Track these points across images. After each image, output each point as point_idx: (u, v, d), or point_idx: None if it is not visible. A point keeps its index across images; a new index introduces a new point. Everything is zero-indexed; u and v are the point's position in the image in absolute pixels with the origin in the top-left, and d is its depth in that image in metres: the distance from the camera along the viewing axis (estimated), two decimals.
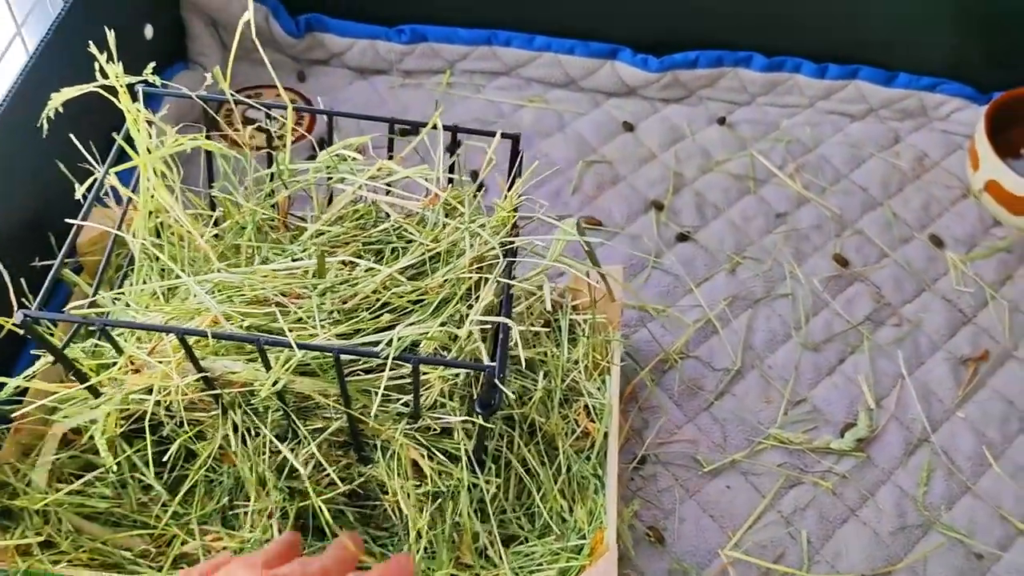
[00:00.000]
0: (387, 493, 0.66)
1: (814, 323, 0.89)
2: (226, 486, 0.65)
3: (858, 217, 0.98)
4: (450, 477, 0.63)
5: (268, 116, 0.60)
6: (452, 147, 0.62)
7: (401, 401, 0.57)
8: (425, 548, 0.64)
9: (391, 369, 0.51)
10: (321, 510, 0.62)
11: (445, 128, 0.60)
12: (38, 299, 0.51)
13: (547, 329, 0.75)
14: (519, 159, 0.60)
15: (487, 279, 0.55)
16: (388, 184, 0.60)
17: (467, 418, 0.57)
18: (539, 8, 1.05)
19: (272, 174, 0.62)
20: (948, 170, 1.03)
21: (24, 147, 0.72)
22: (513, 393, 0.68)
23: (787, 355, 0.86)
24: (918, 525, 0.76)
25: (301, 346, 0.47)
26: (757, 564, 0.73)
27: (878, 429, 0.81)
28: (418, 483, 0.63)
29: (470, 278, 0.55)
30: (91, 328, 0.59)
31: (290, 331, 0.50)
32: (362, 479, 0.64)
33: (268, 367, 0.51)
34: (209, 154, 0.63)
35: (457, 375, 0.56)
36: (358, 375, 0.55)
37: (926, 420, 0.82)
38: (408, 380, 0.56)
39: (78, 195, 0.58)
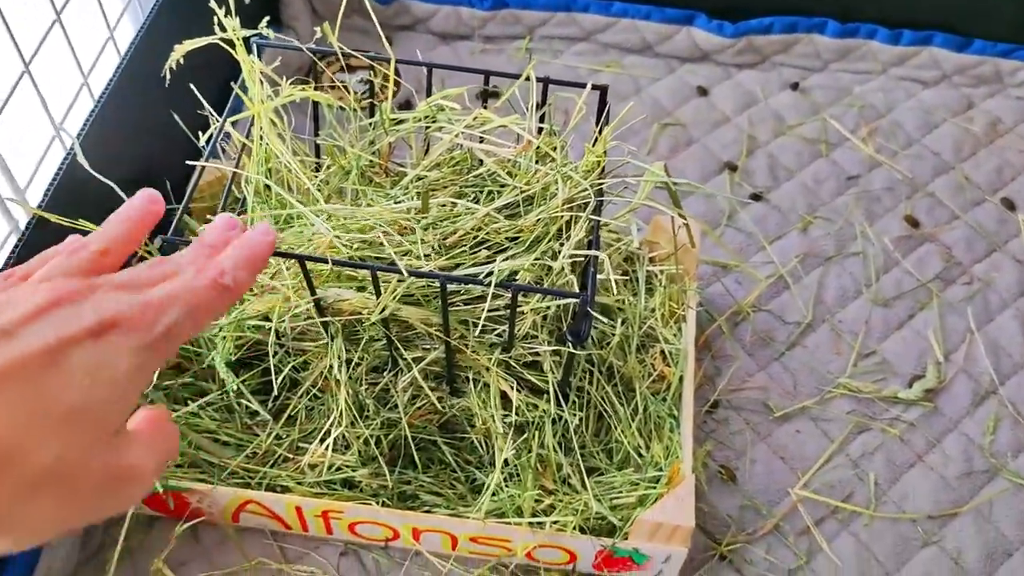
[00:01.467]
0: (474, 427, 0.70)
1: (884, 281, 0.91)
2: (324, 412, 0.71)
3: (930, 180, 0.99)
4: (535, 409, 0.67)
5: (372, 68, 0.64)
6: (543, 99, 0.66)
7: (495, 332, 0.61)
8: (511, 475, 0.69)
9: (490, 299, 0.55)
10: (408, 437, 0.67)
11: (537, 80, 0.64)
12: (172, 227, 0.57)
13: (625, 278, 0.79)
14: (607, 109, 0.64)
15: (578, 217, 0.59)
16: (483, 133, 0.64)
17: (558, 347, 0.61)
18: None
19: (374, 123, 0.67)
20: (1022, 135, 1.04)
21: (141, 100, 0.78)
22: (594, 335, 0.72)
23: (857, 310, 0.89)
24: (984, 471, 0.78)
25: (411, 273, 0.52)
26: (826, 502, 0.76)
27: (946, 381, 0.84)
28: (505, 413, 0.67)
29: (561, 217, 0.59)
30: None
31: (397, 260, 0.55)
32: (452, 410, 0.69)
33: (378, 293, 0.55)
34: (316, 105, 0.68)
35: (549, 308, 0.60)
36: (457, 306, 0.59)
37: (994, 373, 0.84)
38: (503, 313, 0.60)
39: (201, 142, 0.63)
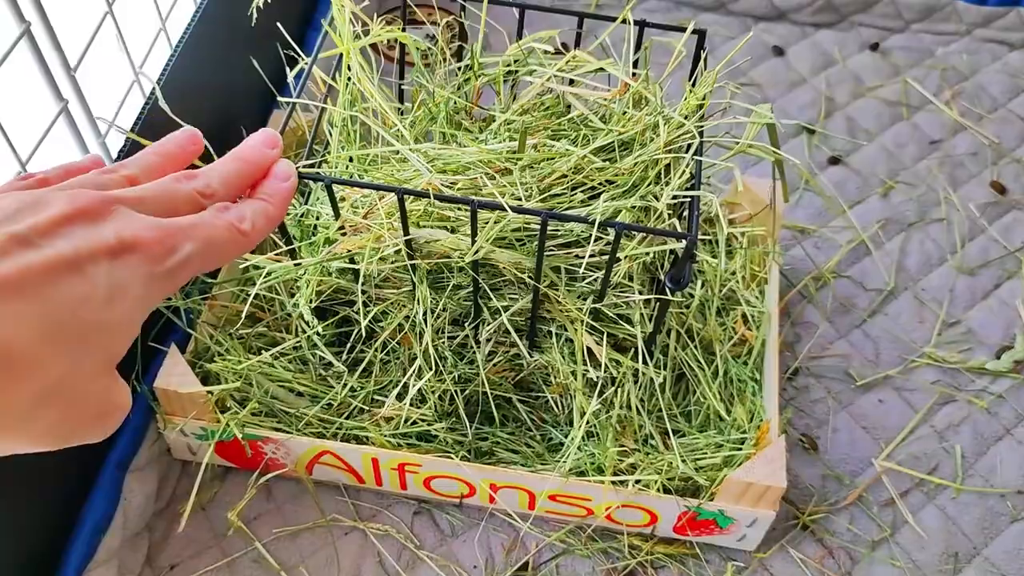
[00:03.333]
0: (549, 385, 0.68)
1: (969, 248, 0.88)
2: (400, 366, 0.69)
3: (1017, 146, 0.96)
4: (619, 366, 0.65)
5: (463, 8, 0.62)
6: (638, 43, 0.63)
7: (586, 280, 0.59)
8: (589, 434, 0.67)
9: (592, 241, 0.53)
10: (487, 394, 0.65)
11: (635, 22, 0.62)
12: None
13: (706, 237, 0.77)
14: (705, 54, 0.61)
15: (679, 161, 0.56)
16: (575, 76, 0.62)
17: (656, 295, 0.58)
18: None
19: (462, 67, 0.65)
20: None
21: (219, 45, 0.76)
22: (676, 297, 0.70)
23: (941, 278, 0.85)
24: None
25: (514, 209, 0.50)
26: (911, 474, 0.73)
27: None
28: (587, 369, 0.65)
29: (662, 160, 0.57)
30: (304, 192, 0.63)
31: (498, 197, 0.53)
32: (531, 368, 0.67)
33: (475, 233, 0.53)
34: (402, 48, 0.66)
35: (647, 254, 0.57)
36: (551, 251, 0.57)
37: None
38: (596, 260, 0.58)
39: (290, 77, 0.61)
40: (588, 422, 0.66)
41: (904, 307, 0.83)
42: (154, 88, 0.65)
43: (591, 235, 0.53)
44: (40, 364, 0.32)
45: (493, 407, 0.68)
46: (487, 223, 0.54)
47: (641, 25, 0.63)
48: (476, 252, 0.54)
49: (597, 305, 0.59)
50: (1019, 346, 0.80)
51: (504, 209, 0.50)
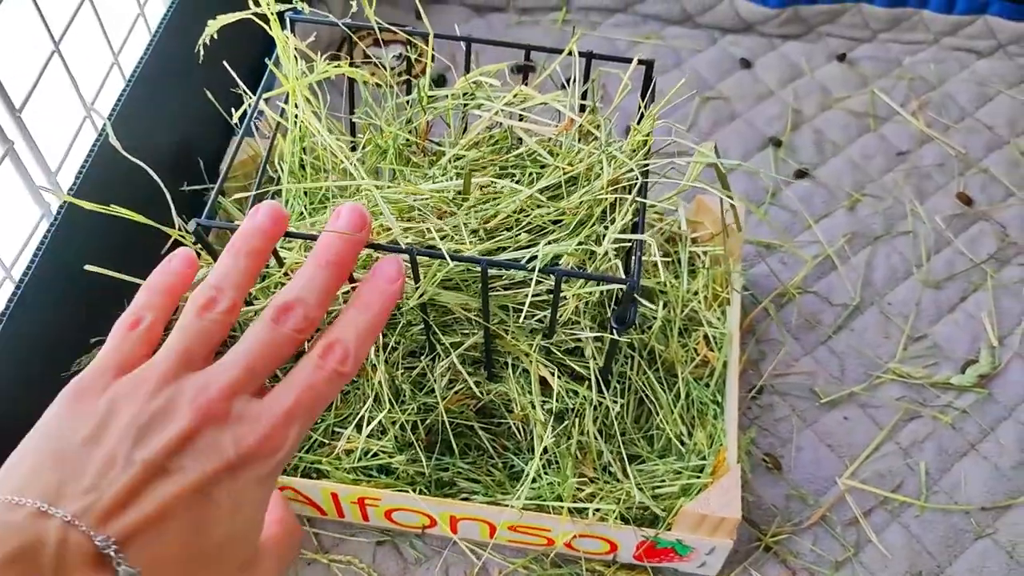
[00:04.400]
0: (511, 412, 0.68)
1: (936, 261, 0.88)
2: (360, 397, 0.69)
3: (983, 156, 0.95)
4: (576, 395, 0.65)
5: (408, 43, 0.62)
6: (585, 75, 0.63)
7: (536, 318, 0.59)
8: (549, 462, 0.67)
9: (532, 283, 0.53)
10: (445, 422, 0.65)
11: (581, 55, 0.61)
12: (205, 211, 0.55)
13: (667, 260, 0.77)
14: (652, 85, 0.61)
15: (623, 199, 0.56)
16: (523, 110, 0.62)
17: (601, 333, 0.59)
18: None
19: (411, 100, 0.65)
20: None
21: (173, 78, 0.76)
22: (637, 320, 0.70)
23: (907, 292, 0.85)
24: None
25: (453, 257, 0.50)
26: (875, 492, 0.73)
27: (1001, 366, 0.81)
28: (545, 400, 0.65)
29: (606, 199, 0.57)
30: None
31: (439, 244, 0.53)
32: (490, 395, 0.67)
33: (418, 279, 0.53)
34: (351, 81, 0.66)
35: (591, 293, 0.57)
36: (497, 291, 0.57)
37: None
38: (543, 298, 0.58)
39: (235, 119, 0.61)
40: (547, 451, 0.67)
41: (870, 322, 0.83)
42: (105, 125, 0.65)
43: (534, 278, 0.53)
44: None
45: (452, 439, 0.68)
46: (431, 267, 0.54)
47: (588, 57, 0.63)
48: (421, 295, 0.55)
49: (546, 343, 0.60)
50: (984, 360, 0.80)
51: (444, 257, 0.50)
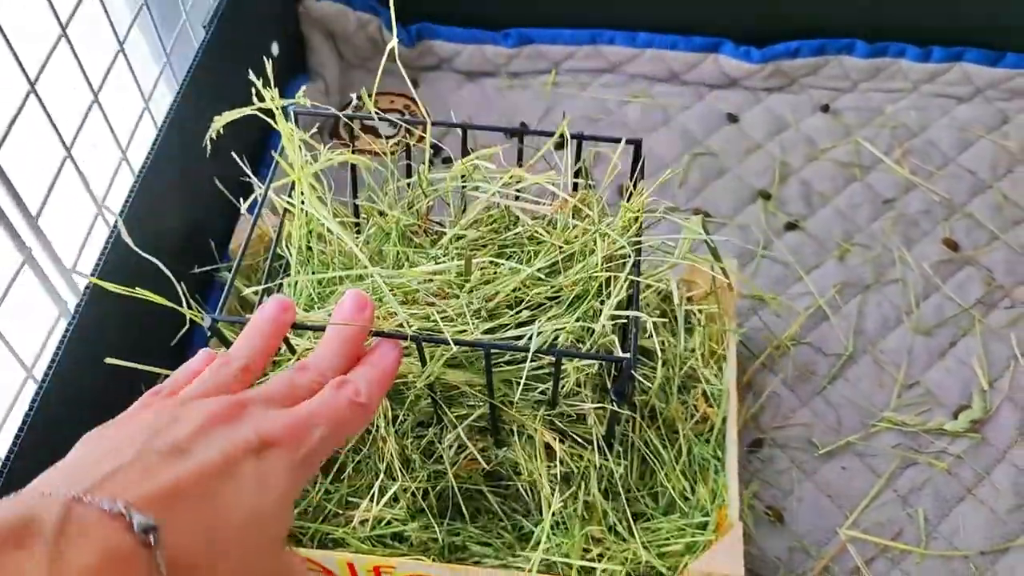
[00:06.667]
0: (520, 475, 0.71)
1: (925, 307, 0.90)
2: (373, 467, 0.71)
3: (967, 200, 0.98)
4: (580, 459, 0.68)
5: (408, 131, 0.65)
6: (577, 153, 0.66)
7: (538, 390, 0.62)
8: (557, 523, 0.69)
9: (531, 360, 0.56)
10: (454, 488, 0.67)
11: (572, 136, 0.64)
12: (219, 305, 0.58)
13: (664, 320, 0.79)
14: (641, 163, 0.64)
15: (617, 276, 0.59)
16: (518, 190, 0.64)
17: (601, 405, 0.61)
18: (641, 5, 1.08)
19: (411, 183, 0.68)
20: None
21: (180, 168, 0.79)
22: (635, 378, 0.72)
23: (899, 340, 0.88)
24: None
25: (457, 342, 0.53)
26: (875, 542, 0.75)
27: (992, 410, 0.83)
28: (550, 465, 0.67)
29: (601, 276, 0.60)
30: None
31: (442, 328, 0.56)
32: (498, 461, 0.70)
33: (424, 362, 0.56)
34: (353, 166, 0.69)
35: (591, 366, 0.60)
36: (500, 367, 0.60)
37: None
38: (545, 371, 0.60)
39: (243, 208, 0.64)
40: (555, 513, 0.69)
41: (864, 371, 0.86)
42: (117, 221, 0.68)
43: (531, 357, 0.56)
44: (212, 566, 0.34)
45: (462, 503, 0.70)
46: (436, 349, 0.57)
47: (579, 139, 0.65)
48: (428, 377, 0.57)
49: (549, 415, 0.62)
50: (976, 405, 0.83)
51: (448, 343, 0.52)
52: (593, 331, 0.58)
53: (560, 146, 0.65)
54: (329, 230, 0.65)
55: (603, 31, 1.09)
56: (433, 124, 0.65)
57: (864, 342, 0.88)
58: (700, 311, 0.80)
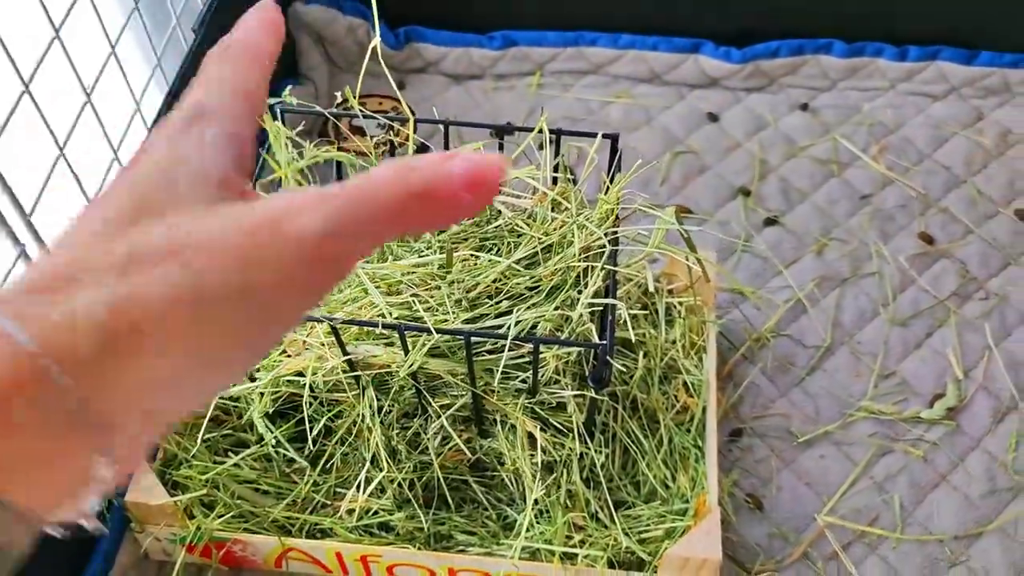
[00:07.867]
0: (503, 464, 0.72)
1: (901, 300, 0.92)
2: (359, 458, 0.73)
3: (942, 195, 1.00)
4: (562, 448, 0.69)
5: (391, 128, 0.66)
6: (556, 147, 0.68)
7: (519, 379, 0.63)
8: (540, 512, 0.71)
9: (511, 349, 0.58)
10: (440, 479, 0.69)
11: (551, 131, 0.66)
12: None
13: (645, 312, 0.81)
14: (618, 156, 0.66)
15: (594, 267, 0.61)
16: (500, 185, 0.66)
17: (580, 392, 0.63)
18: (623, 7, 1.10)
19: None
20: None
21: None
22: (617, 371, 0.74)
23: (876, 331, 0.90)
24: (1008, 488, 0.79)
25: (438, 331, 0.54)
26: (852, 528, 0.77)
27: (967, 399, 0.85)
28: (532, 453, 0.69)
29: (579, 266, 0.61)
30: None
31: (425, 318, 0.57)
32: (482, 451, 0.71)
33: (407, 351, 0.58)
34: (339, 163, 0.71)
35: (570, 354, 0.62)
36: (482, 356, 0.62)
37: (1014, 389, 0.85)
38: (526, 359, 0.62)
39: None
40: (538, 501, 0.70)
41: (841, 362, 0.88)
42: None
43: (509, 345, 0.57)
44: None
45: (447, 493, 0.72)
46: (418, 339, 0.58)
47: (557, 134, 0.67)
48: (411, 366, 0.59)
49: (529, 403, 0.64)
50: (950, 394, 0.85)
51: (430, 332, 0.54)
52: (571, 320, 0.60)
53: (543, 144, 0.67)
54: None
55: (586, 33, 1.11)
56: (417, 121, 0.66)
57: (842, 334, 0.90)
58: (680, 303, 0.82)
